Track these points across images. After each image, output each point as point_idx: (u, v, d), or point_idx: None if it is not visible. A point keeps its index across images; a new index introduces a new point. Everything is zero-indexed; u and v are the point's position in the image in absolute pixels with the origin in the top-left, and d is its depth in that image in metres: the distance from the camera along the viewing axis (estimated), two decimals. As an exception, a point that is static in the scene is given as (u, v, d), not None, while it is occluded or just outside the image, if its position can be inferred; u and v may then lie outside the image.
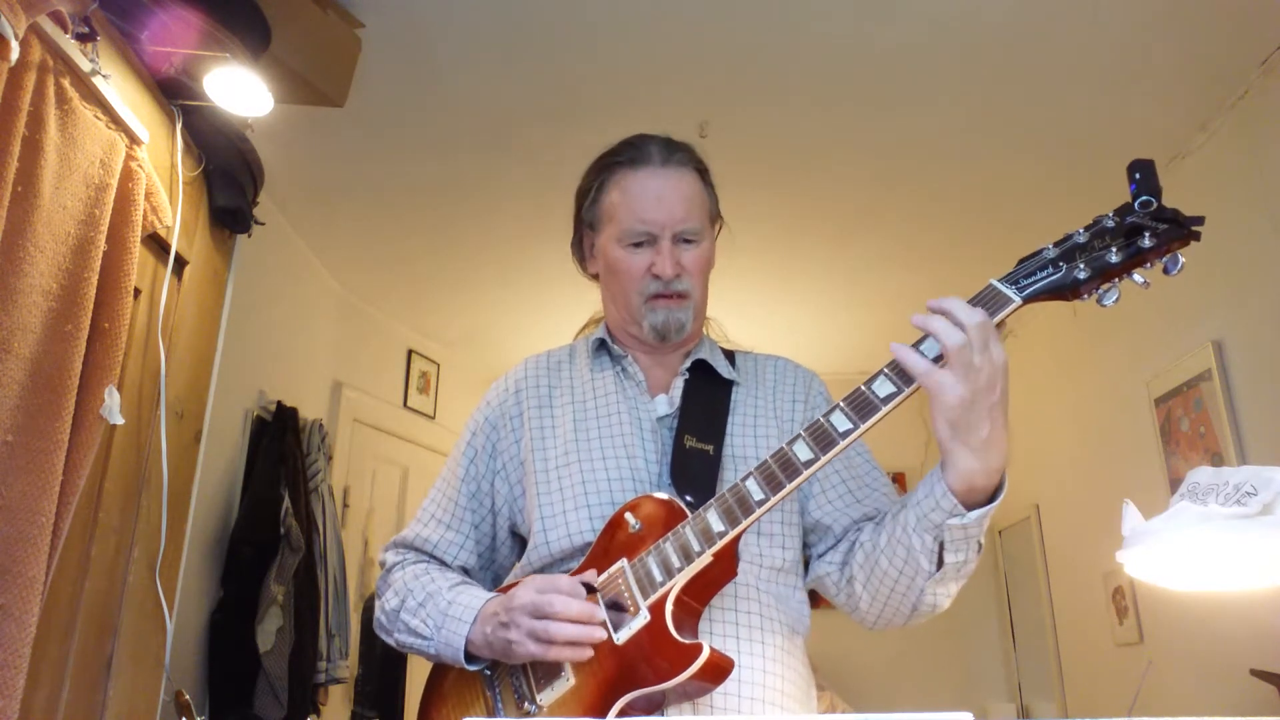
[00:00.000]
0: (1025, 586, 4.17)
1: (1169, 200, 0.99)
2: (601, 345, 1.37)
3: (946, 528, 1.03)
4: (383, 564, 1.38)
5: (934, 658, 4.31)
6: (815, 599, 1.28)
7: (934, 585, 1.10)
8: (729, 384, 1.34)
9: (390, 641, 1.28)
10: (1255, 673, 2.23)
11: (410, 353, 4.28)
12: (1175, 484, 2.27)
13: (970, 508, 1.02)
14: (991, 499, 1.03)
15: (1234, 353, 2.59)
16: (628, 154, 1.31)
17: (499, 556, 1.36)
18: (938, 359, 0.99)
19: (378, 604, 1.33)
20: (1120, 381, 3.16)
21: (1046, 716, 3.89)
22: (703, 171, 1.34)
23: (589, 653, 1.05)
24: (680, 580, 1.06)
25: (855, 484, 1.28)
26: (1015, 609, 4.33)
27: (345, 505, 3.67)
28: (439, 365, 4.45)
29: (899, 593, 1.13)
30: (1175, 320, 2.84)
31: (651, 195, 1.26)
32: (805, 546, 1.29)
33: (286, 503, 2.86)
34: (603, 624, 1.07)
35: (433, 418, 4.34)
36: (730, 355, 1.40)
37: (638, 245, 1.27)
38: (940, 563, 1.07)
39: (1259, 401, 2.47)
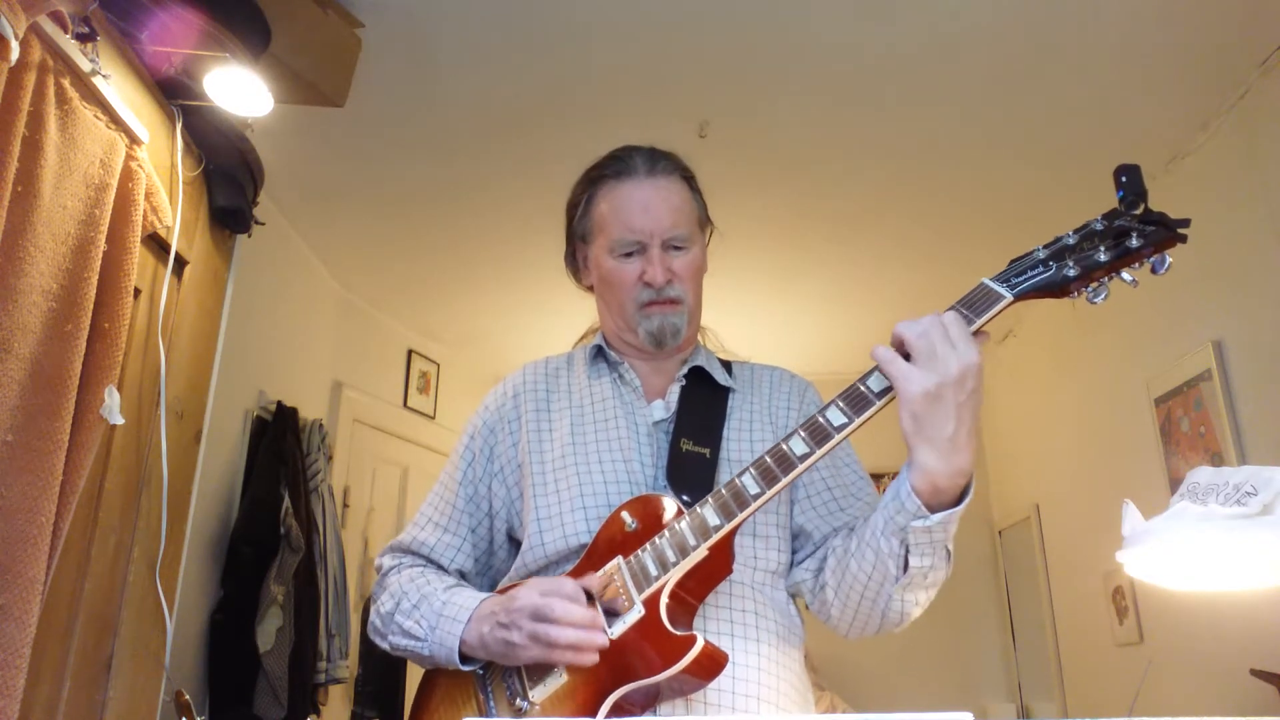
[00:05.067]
0: (1025, 586, 4.17)
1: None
2: (599, 353, 1.39)
3: (910, 530, 1.02)
4: (379, 569, 1.38)
5: (934, 658, 4.31)
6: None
7: (901, 591, 1.08)
8: (725, 390, 1.35)
9: (384, 645, 1.28)
10: (1255, 673, 2.23)
11: (410, 353, 4.28)
12: (1175, 484, 2.27)
13: (936, 510, 1.00)
14: (958, 503, 1.02)
15: (1234, 353, 2.59)
16: (613, 166, 1.34)
17: (496, 561, 1.36)
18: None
19: (372, 608, 1.33)
20: (1120, 381, 3.16)
21: (1046, 716, 3.89)
22: (689, 178, 1.36)
23: (594, 658, 1.04)
24: (675, 574, 1.06)
25: (840, 491, 1.28)
26: (1015, 609, 4.33)
27: (345, 505, 3.67)
28: (439, 365, 4.45)
29: (868, 599, 1.12)
30: (1175, 320, 2.84)
31: (638, 205, 1.29)
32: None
33: (286, 503, 2.86)
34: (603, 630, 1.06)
35: (433, 418, 4.34)
36: (727, 365, 1.42)
37: (628, 255, 1.30)
38: (907, 567, 1.06)
39: (1259, 401, 2.47)
